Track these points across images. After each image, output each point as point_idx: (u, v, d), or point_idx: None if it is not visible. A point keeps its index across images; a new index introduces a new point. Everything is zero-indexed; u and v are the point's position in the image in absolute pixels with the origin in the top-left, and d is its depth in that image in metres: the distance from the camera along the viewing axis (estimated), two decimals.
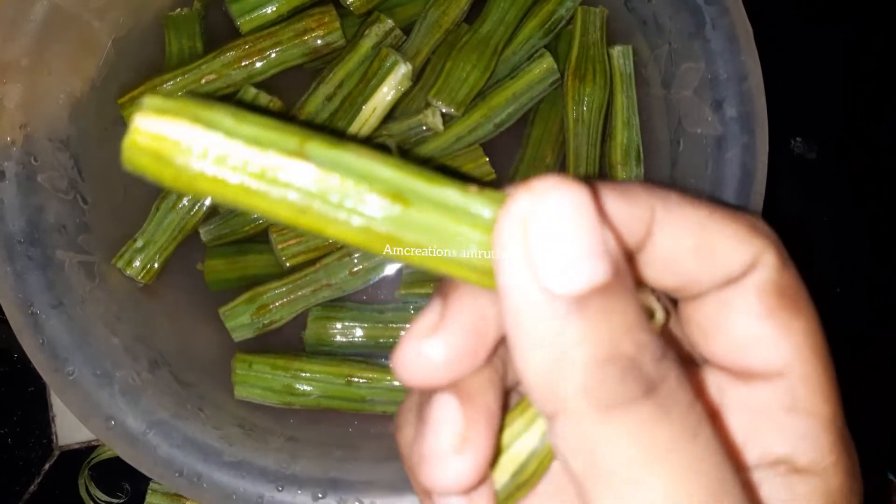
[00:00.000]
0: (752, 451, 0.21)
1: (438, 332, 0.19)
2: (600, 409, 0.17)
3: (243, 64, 0.47)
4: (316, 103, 0.47)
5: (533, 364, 0.17)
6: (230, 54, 0.47)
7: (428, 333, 0.19)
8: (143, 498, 0.51)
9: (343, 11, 0.49)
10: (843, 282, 0.58)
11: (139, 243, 0.46)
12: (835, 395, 0.21)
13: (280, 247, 0.46)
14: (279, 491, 0.39)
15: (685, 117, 0.45)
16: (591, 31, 0.50)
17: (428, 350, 0.19)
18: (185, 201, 0.47)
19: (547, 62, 0.48)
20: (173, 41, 0.49)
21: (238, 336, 0.47)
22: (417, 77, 0.49)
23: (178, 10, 0.49)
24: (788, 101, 0.50)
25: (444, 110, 0.47)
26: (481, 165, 0.47)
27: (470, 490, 0.20)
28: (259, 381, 0.45)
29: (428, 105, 0.47)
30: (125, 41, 0.48)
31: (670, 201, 0.19)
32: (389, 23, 0.48)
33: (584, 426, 0.17)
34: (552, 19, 0.49)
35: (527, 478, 0.21)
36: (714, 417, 0.21)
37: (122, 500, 0.53)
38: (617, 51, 0.49)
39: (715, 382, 0.22)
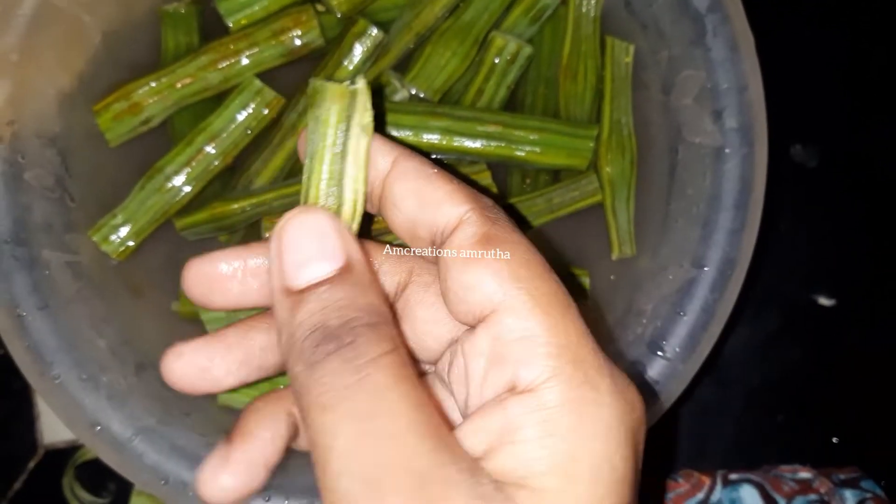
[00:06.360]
0: (488, 391, 0.23)
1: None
2: (306, 366, 0.22)
3: (220, 66, 0.45)
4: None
5: (281, 343, 0.23)
6: (205, 57, 0.45)
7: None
8: (128, 498, 0.51)
9: (322, 10, 0.47)
10: (844, 291, 0.58)
11: (118, 219, 0.45)
12: (551, 318, 0.22)
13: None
14: (266, 501, 0.38)
15: (685, 126, 0.45)
16: (584, 24, 0.48)
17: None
18: (171, 183, 0.45)
19: None
20: (170, 37, 0.47)
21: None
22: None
23: (174, 4, 0.48)
24: (789, 108, 0.50)
25: (421, 96, 0.46)
26: (483, 179, 0.46)
27: None
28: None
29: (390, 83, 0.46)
30: (115, 36, 0.46)
31: (406, 156, 0.26)
32: (377, 34, 0.46)
33: (299, 381, 0.22)
34: (538, 7, 0.48)
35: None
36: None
37: (106, 501, 0.52)
38: (609, 45, 0.48)
39: (470, 345, 0.24)
